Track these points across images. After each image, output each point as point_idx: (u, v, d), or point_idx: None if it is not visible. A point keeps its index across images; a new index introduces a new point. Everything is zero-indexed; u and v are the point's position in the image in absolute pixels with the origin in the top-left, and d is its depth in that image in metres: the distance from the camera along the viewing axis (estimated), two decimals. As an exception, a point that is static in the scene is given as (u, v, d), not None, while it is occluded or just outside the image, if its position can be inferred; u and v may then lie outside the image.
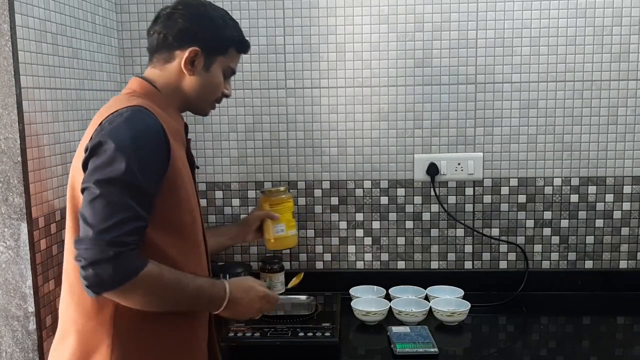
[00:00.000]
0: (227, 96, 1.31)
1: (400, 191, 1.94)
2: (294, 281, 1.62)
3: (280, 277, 1.89)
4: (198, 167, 1.34)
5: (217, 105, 1.31)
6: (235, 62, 1.29)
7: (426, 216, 1.95)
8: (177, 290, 1.12)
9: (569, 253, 1.94)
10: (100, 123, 1.07)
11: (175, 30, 1.20)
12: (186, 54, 1.19)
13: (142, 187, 1.05)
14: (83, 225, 1.02)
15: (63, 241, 1.43)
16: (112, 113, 1.08)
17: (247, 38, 1.30)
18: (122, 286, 1.02)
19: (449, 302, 1.75)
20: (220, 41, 1.24)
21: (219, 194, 1.96)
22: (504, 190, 1.92)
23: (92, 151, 1.05)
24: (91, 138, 1.07)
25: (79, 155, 1.11)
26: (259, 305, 1.28)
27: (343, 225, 1.97)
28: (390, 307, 1.71)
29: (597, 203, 1.91)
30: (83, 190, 1.05)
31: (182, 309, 1.15)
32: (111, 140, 1.03)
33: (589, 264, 1.94)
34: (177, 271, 1.12)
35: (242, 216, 1.97)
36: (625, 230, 1.92)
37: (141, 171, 1.04)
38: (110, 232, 1.00)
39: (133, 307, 1.08)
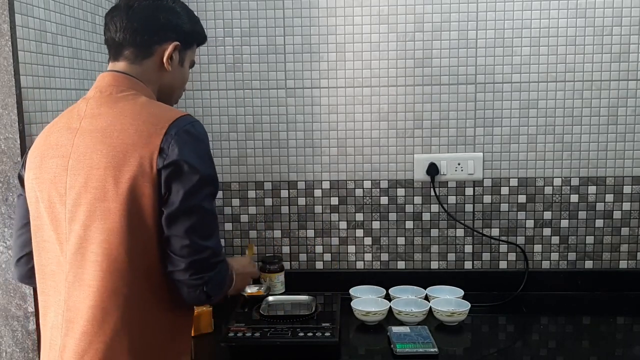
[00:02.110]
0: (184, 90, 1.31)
1: (400, 191, 1.94)
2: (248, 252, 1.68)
3: (281, 277, 1.90)
4: None
5: (189, 83, 1.34)
6: (194, 55, 1.29)
7: (426, 216, 1.95)
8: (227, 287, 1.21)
9: (569, 253, 1.94)
10: (167, 132, 1.05)
11: (155, 25, 1.16)
12: (169, 48, 1.17)
13: (217, 188, 1.13)
14: (193, 244, 1.06)
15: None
16: (174, 121, 1.07)
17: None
18: (225, 287, 1.16)
19: (449, 302, 1.75)
20: (192, 35, 1.23)
21: (219, 194, 1.96)
22: (504, 190, 1.92)
23: (176, 173, 1.04)
24: (161, 149, 1.04)
25: (129, 162, 1.04)
26: (250, 272, 1.39)
27: (343, 225, 1.97)
28: (390, 307, 1.71)
29: (597, 203, 1.91)
30: (179, 211, 1.05)
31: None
32: (194, 162, 1.06)
33: (589, 264, 1.94)
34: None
35: (242, 216, 1.97)
36: (625, 230, 1.92)
37: (215, 177, 1.12)
38: (219, 245, 1.12)
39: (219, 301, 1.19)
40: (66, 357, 1.07)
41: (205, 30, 1.29)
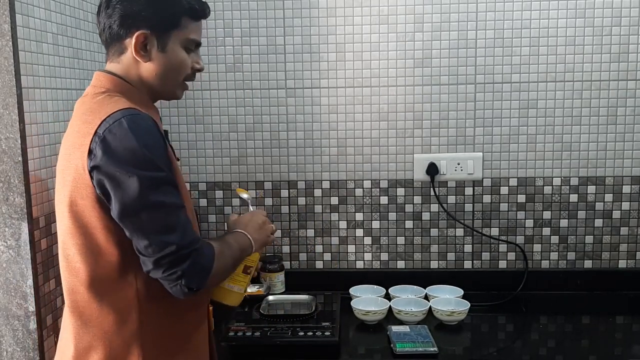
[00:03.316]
0: (199, 70, 1.20)
1: (400, 191, 1.94)
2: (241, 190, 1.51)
3: (281, 276, 1.90)
4: (179, 159, 1.34)
5: (189, 83, 1.21)
6: (196, 33, 1.17)
7: (426, 216, 1.95)
8: (233, 254, 1.19)
9: (568, 253, 1.94)
10: (96, 132, 1.02)
11: (117, 18, 1.11)
12: (133, 40, 1.10)
13: (168, 179, 1.06)
14: (156, 240, 1.03)
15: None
16: (105, 119, 1.03)
17: (198, 1, 1.17)
18: (212, 271, 1.09)
19: (449, 301, 1.76)
20: (167, 15, 1.12)
21: (219, 193, 1.97)
22: (504, 190, 1.93)
23: (111, 181, 1.02)
24: (90, 150, 1.02)
25: (71, 165, 1.06)
26: (267, 227, 1.32)
27: (343, 225, 1.97)
28: (390, 307, 1.71)
29: (597, 203, 1.91)
30: (125, 217, 1.03)
31: (236, 267, 1.23)
32: (118, 166, 1.01)
33: (588, 264, 1.95)
34: (214, 239, 1.19)
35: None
36: (624, 230, 1.92)
37: (159, 167, 1.04)
38: (187, 235, 1.06)
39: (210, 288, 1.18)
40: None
41: (194, 2, 1.15)
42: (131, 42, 1.11)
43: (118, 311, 1.09)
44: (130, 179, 1.01)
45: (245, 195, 1.45)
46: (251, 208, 1.40)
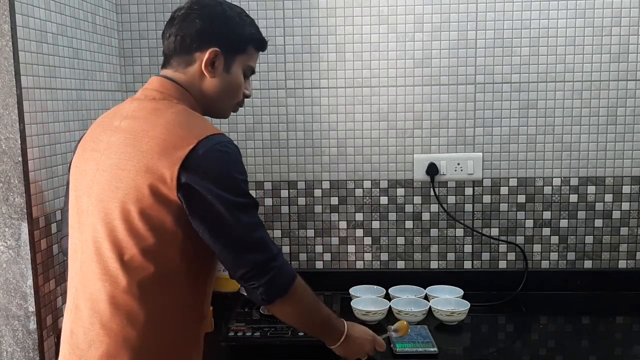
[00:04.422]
0: (247, 97, 1.27)
1: (400, 191, 1.94)
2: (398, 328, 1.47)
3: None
4: None
5: (239, 108, 1.28)
6: (254, 61, 1.25)
7: (426, 216, 1.95)
8: (316, 309, 1.24)
9: (568, 253, 1.94)
10: (195, 148, 1.04)
11: (193, 32, 1.16)
12: (206, 55, 1.16)
13: (256, 203, 1.13)
14: (240, 257, 1.09)
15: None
16: (205, 138, 1.06)
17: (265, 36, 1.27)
18: (290, 290, 1.14)
19: (449, 301, 1.76)
20: (238, 40, 1.20)
21: (219, 193, 1.96)
22: (504, 190, 1.93)
23: (219, 187, 1.06)
24: (184, 164, 1.03)
25: (150, 170, 1.05)
26: (368, 347, 1.33)
27: (343, 225, 1.97)
28: (390, 307, 1.71)
29: (597, 203, 1.91)
30: (216, 230, 1.07)
31: (311, 331, 1.27)
32: (229, 178, 1.08)
33: (588, 264, 1.95)
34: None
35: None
36: (624, 230, 1.92)
37: (246, 192, 1.11)
38: (266, 253, 1.11)
39: (288, 321, 1.24)
40: (73, 343, 1.11)
41: (260, 32, 1.24)
42: (202, 56, 1.16)
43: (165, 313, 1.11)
44: (232, 197, 1.07)
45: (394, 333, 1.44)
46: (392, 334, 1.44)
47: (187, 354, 1.16)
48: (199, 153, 1.04)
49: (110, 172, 1.09)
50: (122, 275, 1.07)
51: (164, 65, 1.21)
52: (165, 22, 1.21)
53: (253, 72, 1.26)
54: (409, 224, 1.96)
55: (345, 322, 1.30)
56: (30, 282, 1.35)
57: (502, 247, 1.95)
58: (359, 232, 1.97)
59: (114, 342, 1.07)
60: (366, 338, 1.33)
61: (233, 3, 1.24)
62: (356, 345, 1.30)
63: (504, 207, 1.93)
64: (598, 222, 1.92)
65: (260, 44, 1.25)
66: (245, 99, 1.27)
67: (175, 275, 1.09)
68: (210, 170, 1.05)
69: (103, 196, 1.09)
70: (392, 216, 1.95)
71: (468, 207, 1.94)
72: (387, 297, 1.82)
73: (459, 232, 1.95)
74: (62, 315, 1.20)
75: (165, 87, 1.17)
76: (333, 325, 1.27)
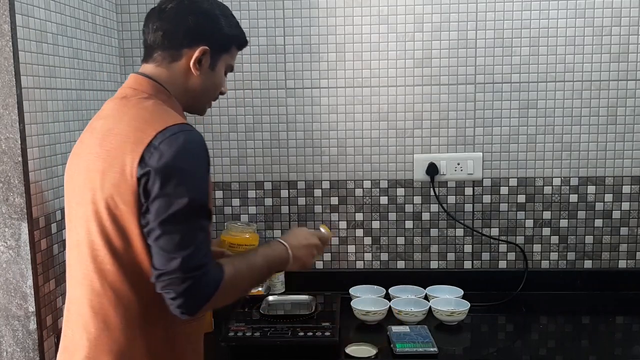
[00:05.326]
0: (223, 93, 1.27)
1: (400, 191, 1.94)
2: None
3: (281, 276, 1.90)
4: None
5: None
6: (234, 59, 1.26)
7: (426, 216, 1.95)
8: (253, 274, 1.17)
9: (568, 253, 1.94)
10: (151, 142, 1.02)
11: (185, 28, 1.14)
12: (196, 53, 1.14)
13: (204, 204, 1.06)
14: (164, 256, 1.01)
15: (63, 241, 1.44)
16: (162, 130, 1.03)
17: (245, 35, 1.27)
18: (211, 299, 1.05)
19: (449, 301, 1.76)
20: (226, 40, 1.20)
21: (219, 193, 1.97)
22: (504, 190, 1.93)
23: (157, 190, 1.02)
24: (142, 159, 1.01)
25: (114, 168, 1.04)
26: (314, 245, 1.30)
27: (343, 225, 1.97)
28: (390, 307, 1.71)
29: (597, 203, 1.91)
30: (152, 223, 1.02)
31: (261, 283, 1.27)
32: (176, 171, 1.02)
33: (588, 264, 1.95)
34: (242, 256, 1.20)
35: (242, 216, 1.97)
36: (624, 230, 1.92)
37: (201, 190, 1.06)
38: (193, 259, 1.02)
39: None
40: (64, 345, 1.13)
41: (243, 31, 1.25)
42: (190, 53, 1.15)
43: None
44: (175, 191, 1.01)
45: (323, 231, 1.40)
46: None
47: (174, 357, 1.13)
48: (154, 144, 1.02)
49: (84, 174, 1.09)
50: (96, 279, 1.07)
51: (145, 59, 1.19)
52: (147, 13, 1.20)
53: (232, 70, 1.27)
54: (409, 224, 1.96)
55: (282, 242, 1.24)
56: (30, 282, 1.35)
57: (502, 247, 1.95)
58: (359, 232, 1.97)
59: (93, 346, 1.07)
60: (308, 242, 1.29)
61: (222, 2, 1.25)
62: (304, 255, 1.28)
63: (504, 207, 1.93)
64: (598, 222, 1.92)
65: (244, 44, 1.26)
66: (221, 95, 1.27)
67: (147, 277, 1.05)
68: (164, 160, 1.01)
69: (80, 199, 1.09)
70: (392, 216, 1.95)
71: (468, 207, 1.94)
72: (387, 297, 1.82)
73: (459, 232, 1.95)
74: (62, 316, 1.20)
75: (139, 83, 1.15)
76: (277, 261, 1.23)
